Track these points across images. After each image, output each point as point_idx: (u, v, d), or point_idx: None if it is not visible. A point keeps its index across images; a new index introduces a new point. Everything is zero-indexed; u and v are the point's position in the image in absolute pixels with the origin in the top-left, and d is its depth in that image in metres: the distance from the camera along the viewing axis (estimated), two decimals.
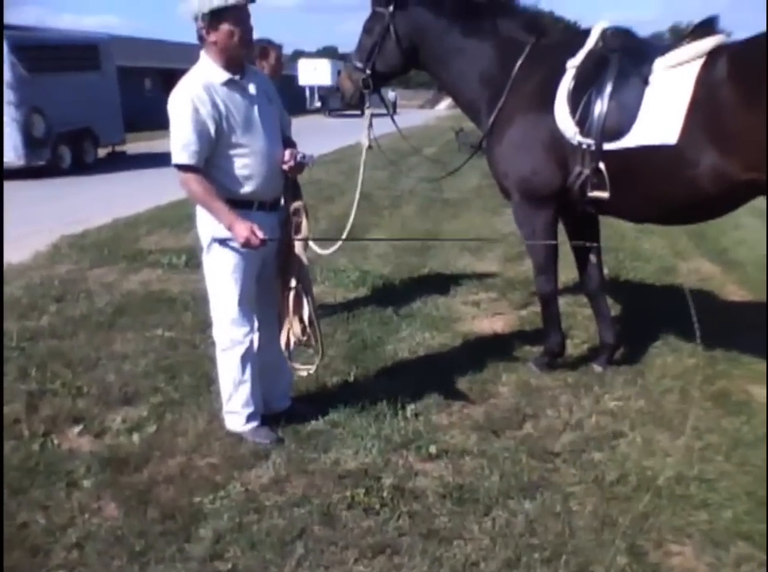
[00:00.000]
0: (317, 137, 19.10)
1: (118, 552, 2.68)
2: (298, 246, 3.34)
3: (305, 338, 3.34)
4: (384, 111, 4.89)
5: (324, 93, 41.28)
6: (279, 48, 4.92)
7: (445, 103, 43.22)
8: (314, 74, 44.94)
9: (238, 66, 3.22)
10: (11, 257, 7.19)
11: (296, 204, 3.35)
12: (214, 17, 3.06)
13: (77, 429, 3.65)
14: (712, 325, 4.85)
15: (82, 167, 15.60)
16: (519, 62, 3.94)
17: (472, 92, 4.15)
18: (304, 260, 3.37)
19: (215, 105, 3.11)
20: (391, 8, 4.04)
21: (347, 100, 4.44)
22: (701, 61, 3.45)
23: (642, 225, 7.80)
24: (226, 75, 3.17)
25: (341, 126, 5.54)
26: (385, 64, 4.18)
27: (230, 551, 2.68)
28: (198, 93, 3.09)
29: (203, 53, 3.22)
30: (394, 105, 50.66)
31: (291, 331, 3.33)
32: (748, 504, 2.90)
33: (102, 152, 17.27)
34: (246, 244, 3.11)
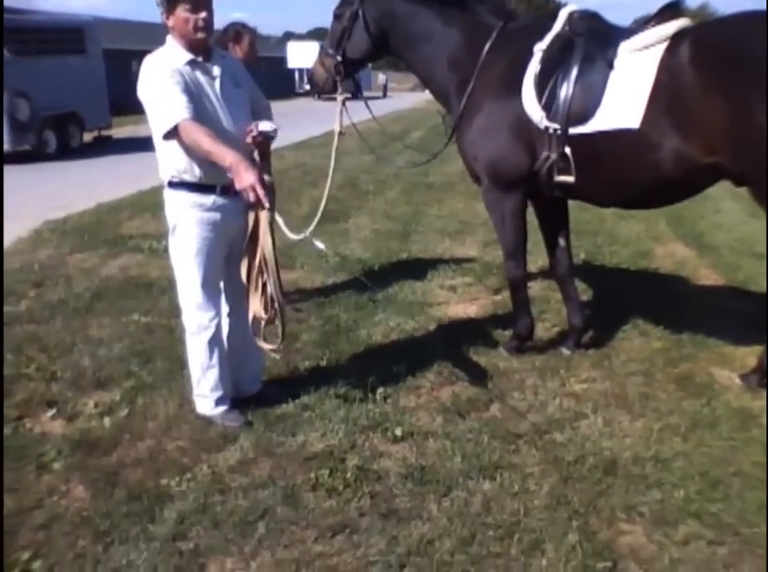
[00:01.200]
0: (306, 119, 19.07)
1: (84, 533, 2.73)
2: (263, 223, 3.20)
3: (267, 316, 3.23)
4: (377, 94, 4.87)
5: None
6: (253, 32, 4.91)
7: None
8: (303, 56, 44.52)
9: (202, 49, 3.22)
10: None
11: (268, 179, 3.14)
12: (170, 3, 3.08)
13: (50, 413, 3.69)
14: (683, 308, 4.98)
15: (68, 151, 15.51)
16: (487, 46, 3.95)
17: (442, 77, 4.17)
18: (269, 238, 3.17)
19: (184, 83, 3.11)
20: None
21: (320, 86, 4.43)
22: (665, 45, 3.47)
23: (622, 210, 7.95)
24: (188, 56, 3.18)
25: (330, 109, 5.59)
26: (355, 50, 4.20)
27: (192, 531, 2.74)
28: (170, 66, 3.11)
29: (169, 36, 3.23)
30: (385, 88, 50.55)
31: (252, 307, 3.29)
32: (701, 484, 2.98)
33: (88, 137, 17.17)
34: (246, 189, 2.91)
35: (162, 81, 3.08)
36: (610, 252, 6.58)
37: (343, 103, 4.30)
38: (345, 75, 4.28)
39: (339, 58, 4.20)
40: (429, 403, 3.76)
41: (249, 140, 3.25)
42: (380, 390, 3.84)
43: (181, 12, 3.10)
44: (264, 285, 3.22)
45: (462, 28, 4.05)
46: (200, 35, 3.17)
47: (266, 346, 3.35)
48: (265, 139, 3.30)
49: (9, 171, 13.17)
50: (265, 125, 3.26)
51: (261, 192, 2.90)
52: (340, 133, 4.32)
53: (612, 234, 7.23)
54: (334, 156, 4.38)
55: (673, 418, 3.54)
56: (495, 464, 3.16)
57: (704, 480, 3.00)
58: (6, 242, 7.30)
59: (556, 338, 4.55)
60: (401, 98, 34.82)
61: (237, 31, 4.67)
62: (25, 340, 4.61)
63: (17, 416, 3.65)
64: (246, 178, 2.90)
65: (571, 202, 4.30)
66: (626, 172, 3.65)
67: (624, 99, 3.52)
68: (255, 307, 3.25)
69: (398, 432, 3.43)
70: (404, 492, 2.97)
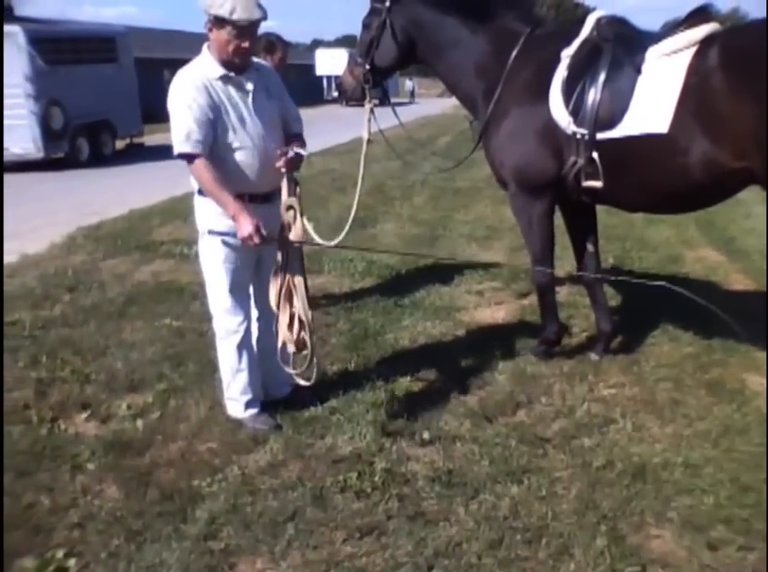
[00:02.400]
0: (334, 126, 19.20)
1: (117, 532, 2.79)
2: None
3: (295, 340, 3.31)
4: (404, 100, 4.92)
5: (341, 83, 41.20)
6: (287, 45, 4.97)
7: None
8: (332, 64, 44.83)
9: (236, 66, 3.26)
10: (28, 248, 7.37)
11: (289, 200, 3.33)
12: (217, 20, 3.12)
13: (84, 415, 3.78)
14: (713, 314, 4.92)
15: (100, 159, 15.82)
16: (515, 52, 3.95)
17: (469, 83, 4.18)
18: (298, 260, 3.34)
19: (211, 99, 3.18)
20: (388, 2, 4.08)
21: (349, 95, 4.47)
22: (694, 50, 3.45)
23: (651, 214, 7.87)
24: (221, 71, 3.23)
25: (356, 116, 5.65)
26: (384, 58, 4.22)
27: (223, 531, 2.79)
28: (196, 84, 3.16)
29: (205, 46, 3.29)
30: (412, 93, 50.60)
31: (282, 332, 3.36)
32: (731, 489, 2.95)
33: (120, 144, 17.47)
34: (246, 240, 3.15)
35: (184, 102, 3.15)
36: (639, 257, 6.53)
37: (371, 111, 4.31)
38: (374, 83, 4.30)
39: (367, 66, 4.23)
40: (457, 407, 3.77)
41: (281, 164, 3.30)
42: (407, 394, 3.86)
43: (225, 34, 3.14)
44: (292, 309, 3.29)
45: (489, 35, 4.06)
46: (237, 61, 3.22)
47: (295, 373, 3.42)
48: (295, 162, 3.37)
49: (43, 178, 13.47)
50: (299, 150, 3.37)
51: (256, 241, 3.14)
52: (369, 141, 4.34)
53: (641, 239, 7.18)
54: (363, 163, 4.39)
55: (704, 424, 3.51)
56: (523, 468, 3.16)
57: (735, 486, 2.98)
58: (41, 248, 7.47)
59: (584, 343, 4.53)
60: (429, 103, 34.80)
61: (272, 42, 4.74)
62: (60, 343, 4.71)
63: (52, 418, 3.74)
64: (245, 228, 3.12)
65: (599, 207, 4.28)
66: (654, 177, 3.63)
67: (652, 104, 3.50)
68: (284, 332, 3.31)
69: (426, 436, 3.45)
70: (431, 495, 2.99)
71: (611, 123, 3.61)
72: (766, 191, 3.47)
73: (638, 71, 3.56)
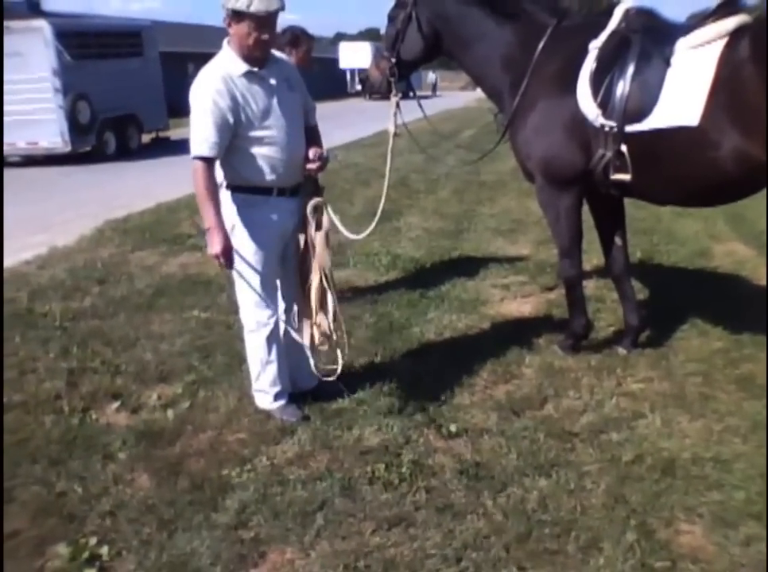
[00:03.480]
0: (357, 119, 19.21)
1: (149, 520, 2.83)
2: (321, 243, 3.39)
3: (325, 339, 3.45)
4: (427, 93, 4.91)
5: (364, 76, 41.19)
6: (311, 39, 4.94)
7: None
8: (355, 57, 44.80)
9: (258, 60, 3.27)
10: (57, 240, 7.47)
11: (316, 201, 3.38)
12: (235, 14, 3.13)
13: (115, 405, 3.83)
14: (743, 308, 4.87)
15: (126, 152, 15.97)
16: (541, 44, 3.92)
17: (495, 76, 4.16)
18: (328, 258, 3.41)
19: (233, 97, 3.18)
20: None
21: (376, 88, 4.47)
22: (724, 41, 3.41)
23: (679, 207, 7.80)
24: (245, 67, 3.23)
25: (379, 109, 5.61)
26: (409, 52, 4.22)
27: (253, 521, 2.82)
28: (217, 85, 3.17)
29: (225, 42, 3.31)
30: (434, 86, 50.39)
31: (314, 329, 3.44)
32: (762, 485, 2.92)
33: (146, 138, 17.61)
34: (211, 257, 3.26)
35: (205, 104, 3.15)
36: (668, 250, 6.47)
37: (397, 105, 4.30)
38: (400, 76, 4.29)
39: (393, 60, 4.23)
40: (483, 400, 3.77)
41: (313, 167, 3.38)
42: (433, 387, 3.87)
43: (245, 27, 3.14)
44: (322, 305, 3.40)
45: (515, 27, 4.04)
46: (258, 54, 3.23)
47: (322, 374, 3.52)
48: (326, 162, 3.46)
49: (71, 172, 13.62)
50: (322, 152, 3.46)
51: (223, 262, 3.22)
52: (395, 134, 4.34)
53: (669, 233, 7.11)
54: (390, 157, 4.40)
55: (734, 419, 3.47)
56: (551, 462, 3.15)
57: (765, 481, 2.95)
58: (70, 240, 7.57)
59: (612, 337, 4.50)
60: (453, 96, 34.72)
61: (296, 36, 4.73)
62: (90, 335, 4.77)
63: (84, 408, 3.79)
64: (215, 246, 3.18)
65: (626, 200, 4.25)
66: (684, 170, 3.59)
67: (682, 96, 3.46)
68: (318, 327, 3.41)
69: (453, 428, 3.46)
70: (459, 488, 3.00)
71: (640, 116, 3.57)
72: None
73: (668, 63, 3.52)
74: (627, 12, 3.75)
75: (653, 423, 3.48)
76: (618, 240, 4.28)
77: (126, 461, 3.28)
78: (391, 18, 4.24)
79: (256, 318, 3.48)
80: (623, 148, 3.65)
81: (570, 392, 3.81)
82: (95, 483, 3.10)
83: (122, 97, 15.65)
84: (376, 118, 10.62)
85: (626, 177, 3.71)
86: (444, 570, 2.54)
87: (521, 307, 5.19)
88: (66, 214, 9.09)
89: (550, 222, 4.17)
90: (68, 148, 14.52)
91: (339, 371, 3.51)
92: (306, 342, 3.51)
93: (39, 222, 8.65)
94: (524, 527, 2.72)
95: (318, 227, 3.39)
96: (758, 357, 4.13)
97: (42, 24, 14.13)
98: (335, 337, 3.51)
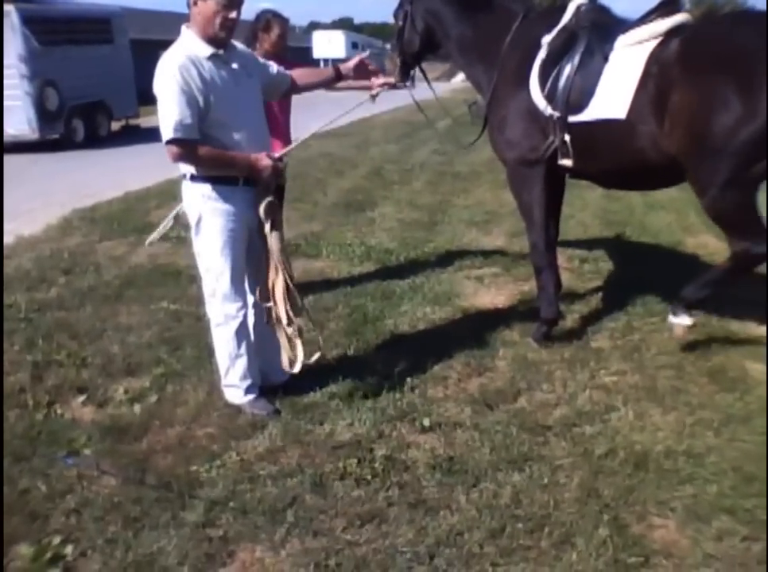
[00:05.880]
0: (330, 109, 19.04)
1: (114, 518, 2.76)
2: (276, 243, 3.35)
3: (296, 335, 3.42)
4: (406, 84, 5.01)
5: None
6: (284, 22, 4.79)
7: (461, 76, 42.71)
8: (328, 46, 44.62)
9: (221, 41, 3.21)
10: (23, 229, 7.30)
11: (268, 200, 3.29)
12: None
13: (80, 399, 3.73)
14: (713, 301, 4.89)
15: (95, 140, 15.68)
16: (507, 39, 4.18)
17: (475, 69, 4.46)
18: (285, 257, 3.38)
19: (202, 78, 3.11)
20: None
21: (396, 79, 4.69)
22: (657, 41, 3.60)
23: (651, 200, 7.86)
24: (210, 50, 3.17)
25: (354, 100, 5.56)
26: (409, 46, 4.59)
27: (222, 518, 2.75)
28: (186, 67, 3.09)
29: (184, 27, 3.23)
30: (412, 78, 50.26)
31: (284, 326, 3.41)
32: (734, 479, 2.93)
33: (115, 126, 17.32)
34: (275, 171, 3.26)
35: (174, 86, 3.07)
36: (640, 243, 6.49)
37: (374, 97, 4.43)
38: (408, 67, 4.70)
39: (398, 54, 4.62)
40: (457, 394, 3.74)
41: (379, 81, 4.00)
42: (407, 380, 3.83)
43: (213, 5, 3.08)
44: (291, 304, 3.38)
45: (489, 23, 4.31)
46: (223, 35, 3.17)
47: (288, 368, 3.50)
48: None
49: (38, 159, 13.34)
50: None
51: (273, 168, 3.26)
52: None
53: (642, 225, 7.11)
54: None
55: (706, 412, 3.48)
56: (524, 456, 3.13)
57: (738, 475, 2.95)
58: (36, 229, 7.40)
59: (584, 330, 4.49)
60: (427, 88, 34.44)
61: (267, 20, 4.62)
62: (56, 327, 4.66)
63: (49, 402, 3.69)
64: (264, 166, 3.24)
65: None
66: (615, 158, 3.82)
67: (614, 91, 3.68)
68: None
69: (426, 422, 3.42)
70: (432, 483, 2.96)
71: (580, 107, 3.83)
72: None
73: (606, 59, 3.75)
74: (579, 8, 3.96)
75: (626, 416, 3.47)
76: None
77: (92, 457, 3.19)
78: (395, 17, 4.65)
79: (225, 311, 3.40)
80: (566, 137, 3.88)
81: (543, 385, 3.80)
82: (59, 480, 3.02)
83: (91, 84, 15.35)
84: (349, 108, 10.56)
85: (569, 163, 3.96)
86: (417, 567, 2.51)
87: (495, 298, 5.16)
88: (33, 202, 8.88)
89: (520, 206, 4.35)
90: (36, 136, 14.20)
91: (299, 366, 3.45)
92: (281, 339, 3.45)
93: (5, 210, 8.44)
94: (497, 522, 2.70)
95: (273, 227, 3.32)
96: (728, 350, 4.15)
97: (9, 9, 13.78)
98: (299, 332, 3.46)
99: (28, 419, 3.52)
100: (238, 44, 3.46)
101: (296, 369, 3.46)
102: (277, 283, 3.33)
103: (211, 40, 3.17)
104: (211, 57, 3.18)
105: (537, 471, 3.02)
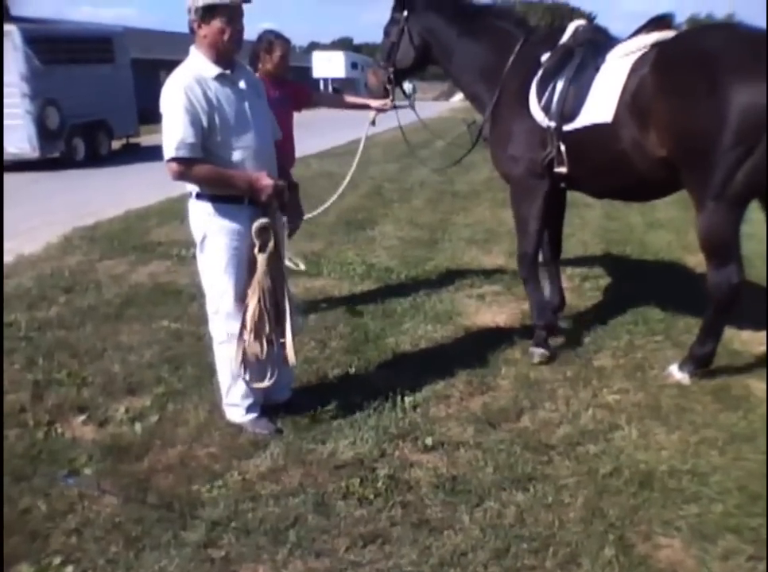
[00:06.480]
0: (330, 128, 19.12)
1: (115, 538, 2.74)
2: (262, 265, 3.30)
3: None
4: (404, 103, 5.22)
5: (338, 85, 41.22)
6: (286, 43, 4.82)
7: (459, 95, 42.92)
8: (328, 66, 44.92)
9: (228, 61, 3.25)
10: (24, 248, 7.31)
11: (261, 222, 3.25)
12: (206, 12, 3.10)
13: (81, 418, 3.72)
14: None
15: (96, 159, 15.75)
16: (512, 58, 4.33)
17: (477, 87, 4.57)
18: (268, 280, 3.32)
19: (207, 99, 3.14)
20: (405, 12, 4.56)
21: (374, 94, 4.97)
22: (642, 52, 3.81)
23: (651, 219, 7.88)
24: (217, 70, 3.20)
25: (355, 119, 5.57)
26: (403, 61, 4.69)
27: (224, 539, 2.73)
28: (191, 86, 3.11)
29: (193, 48, 3.26)
30: (410, 96, 50.59)
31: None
32: (739, 498, 2.91)
33: (116, 145, 17.39)
34: (276, 191, 3.23)
35: (179, 105, 3.10)
36: (640, 261, 6.50)
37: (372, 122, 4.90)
38: (396, 83, 4.82)
39: (390, 69, 4.73)
40: (459, 412, 3.73)
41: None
42: (409, 399, 3.81)
43: (218, 22, 3.12)
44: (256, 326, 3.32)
45: (490, 43, 4.45)
46: (232, 47, 3.21)
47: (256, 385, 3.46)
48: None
49: (39, 178, 13.38)
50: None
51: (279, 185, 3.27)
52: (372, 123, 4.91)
53: (642, 244, 7.13)
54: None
55: (710, 431, 3.46)
56: (528, 475, 3.11)
57: (743, 494, 2.94)
58: (37, 248, 7.40)
59: (586, 348, 4.48)
60: (426, 106, 34.64)
61: (270, 41, 4.64)
62: (56, 345, 4.65)
63: (49, 421, 3.68)
64: (265, 185, 3.21)
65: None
66: (603, 162, 3.97)
67: (602, 97, 3.86)
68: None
69: (428, 442, 3.40)
70: (435, 503, 2.94)
71: (573, 116, 3.97)
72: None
73: (597, 71, 3.95)
74: (577, 28, 4.20)
75: (630, 434, 3.46)
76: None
77: (93, 476, 3.16)
78: (387, 33, 4.73)
79: (228, 329, 3.39)
80: (561, 145, 4.03)
81: (546, 403, 3.79)
82: (60, 500, 2.99)
83: (92, 103, 15.43)
84: (349, 127, 10.60)
85: (564, 170, 4.09)
86: None
87: (496, 317, 5.15)
88: (33, 221, 8.89)
89: (517, 219, 4.44)
90: (36, 154, 14.26)
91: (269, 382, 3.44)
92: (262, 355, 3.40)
93: (5, 229, 8.44)
94: (501, 542, 2.68)
95: (261, 249, 3.29)
96: (731, 368, 4.14)
97: (11, 29, 13.88)
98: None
99: (28, 438, 3.50)
100: (245, 65, 3.49)
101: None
102: (251, 302, 3.28)
103: (219, 59, 3.20)
104: (218, 77, 3.20)
105: (541, 490, 3.00)
